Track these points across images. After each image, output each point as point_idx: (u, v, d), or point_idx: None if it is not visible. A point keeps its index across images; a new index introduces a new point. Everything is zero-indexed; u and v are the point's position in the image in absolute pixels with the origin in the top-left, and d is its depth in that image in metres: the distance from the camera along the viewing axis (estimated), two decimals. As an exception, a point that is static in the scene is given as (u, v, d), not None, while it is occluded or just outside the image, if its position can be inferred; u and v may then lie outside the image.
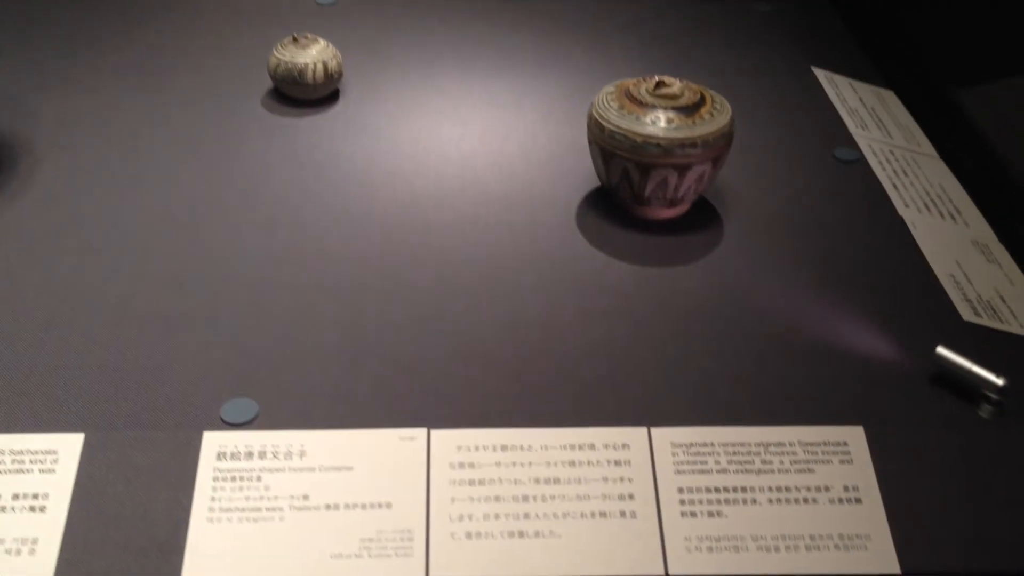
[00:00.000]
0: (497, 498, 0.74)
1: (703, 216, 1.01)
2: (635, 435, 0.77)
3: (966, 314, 0.90)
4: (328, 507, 0.73)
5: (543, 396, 0.80)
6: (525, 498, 0.74)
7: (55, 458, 0.74)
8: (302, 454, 0.75)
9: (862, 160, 1.11)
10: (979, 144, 1.17)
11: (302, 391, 0.80)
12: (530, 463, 0.75)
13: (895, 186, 1.08)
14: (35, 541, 0.70)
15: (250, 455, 0.75)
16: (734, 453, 0.76)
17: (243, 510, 0.72)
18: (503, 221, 0.99)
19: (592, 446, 0.76)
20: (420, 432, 0.77)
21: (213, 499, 0.72)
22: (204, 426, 0.76)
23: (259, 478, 0.74)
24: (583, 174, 1.04)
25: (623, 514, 0.73)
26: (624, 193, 0.98)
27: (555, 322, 0.87)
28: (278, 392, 0.79)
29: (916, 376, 0.83)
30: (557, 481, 0.75)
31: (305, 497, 0.73)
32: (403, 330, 0.86)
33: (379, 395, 0.80)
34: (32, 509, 0.71)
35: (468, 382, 0.81)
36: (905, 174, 1.10)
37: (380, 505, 0.73)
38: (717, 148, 0.95)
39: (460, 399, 0.80)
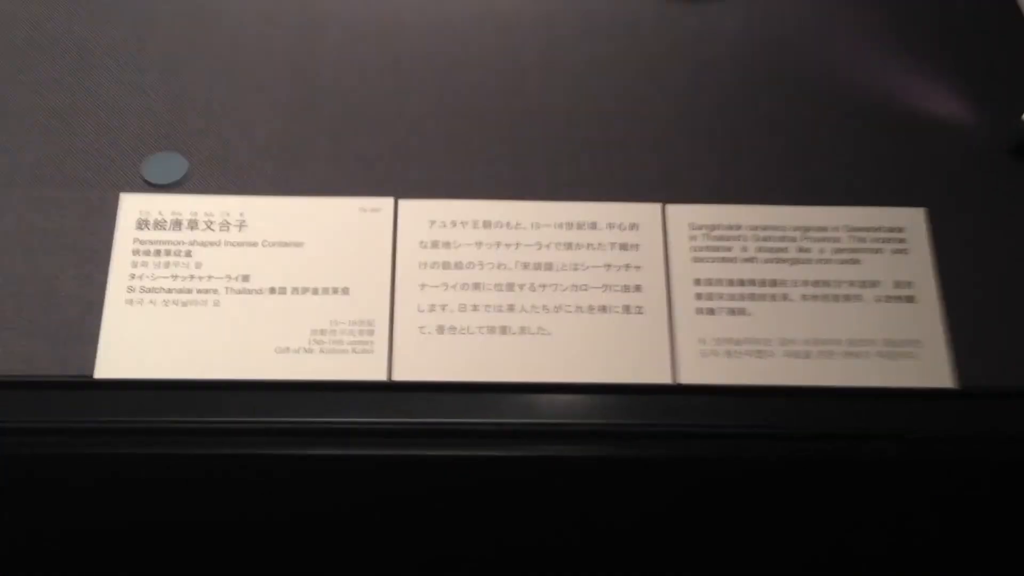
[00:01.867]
0: (476, 285, 0.63)
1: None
2: (646, 213, 0.66)
3: (1060, 74, 0.76)
4: (272, 291, 0.62)
5: (537, 162, 0.68)
6: (510, 286, 0.63)
7: (-60, 221, 0.63)
8: (241, 225, 0.64)
9: None
10: None
11: (242, 147, 0.67)
12: (518, 244, 0.64)
13: (983, -92, 0.91)
14: (-82, 322, 0.60)
15: (178, 224, 0.64)
16: (765, 239, 0.65)
17: (169, 291, 0.61)
18: (499, -61, 0.83)
19: (594, 225, 0.65)
20: (385, 202, 0.65)
21: (133, 276, 0.61)
22: (121, 186, 0.64)
23: (189, 253, 0.63)
24: None
25: (627, 309, 0.63)
26: (649, -94, 0.82)
27: (557, 69, 0.73)
28: (212, 148, 0.67)
29: (996, 152, 0.70)
30: (550, 267, 0.64)
31: (244, 278, 0.62)
32: (370, 75, 0.71)
33: (336, 155, 0.67)
34: (-87, 283, 0.61)
35: (447, 142, 0.68)
36: None
37: (335, 290, 0.62)
38: None
39: (436, 163, 0.67)
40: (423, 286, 0.63)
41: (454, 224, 0.64)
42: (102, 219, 0.63)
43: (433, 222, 0.64)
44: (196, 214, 0.64)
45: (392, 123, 0.69)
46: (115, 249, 0.62)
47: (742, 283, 0.63)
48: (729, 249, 0.64)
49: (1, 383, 0.58)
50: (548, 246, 0.64)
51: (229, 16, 0.74)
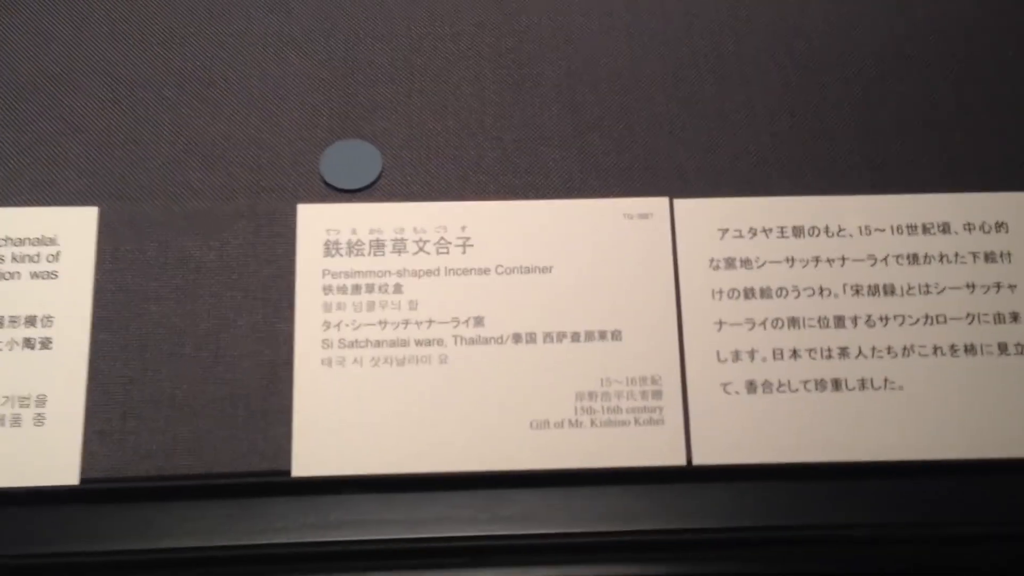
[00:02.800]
0: (793, 321, 0.46)
1: None
2: (1017, 206, 0.49)
3: None
4: (517, 339, 0.46)
5: (851, 138, 0.49)
6: (840, 321, 0.46)
7: (54, 252, 0.47)
8: (465, 245, 0.47)
9: None
10: None
11: (458, 133, 0.49)
12: (844, 259, 0.47)
13: None
14: (41, 399, 0.44)
15: (379, 246, 0.47)
16: None
17: (379, 344, 0.45)
18: None
19: (945, 227, 0.48)
20: (658, 204, 0.48)
21: (327, 325, 0.45)
22: (297, 192, 0.48)
23: (399, 288, 0.46)
24: None
25: (1003, 349, 0.46)
26: None
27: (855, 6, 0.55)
28: (415, 133, 0.49)
29: None
30: (890, 290, 0.47)
31: (478, 321, 0.45)
32: (630, 34, 0.52)
33: (587, 142, 0.49)
34: (28, 344, 0.45)
35: (733, 119, 0.50)
36: None
37: (603, 335, 0.45)
38: None
39: (720, 147, 0.49)
40: (720, 324, 0.46)
41: (753, 232, 0.47)
42: (276, 241, 0.46)
43: (724, 230, 0.47)
44: (402, 230, 0.46)
45: (659, 98, 0.50)
46: (299, 285, 0.45)
47: None
48: None
49: (160, 486, 0.43)
50: (885, 260, 0.47)
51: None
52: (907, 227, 0.47)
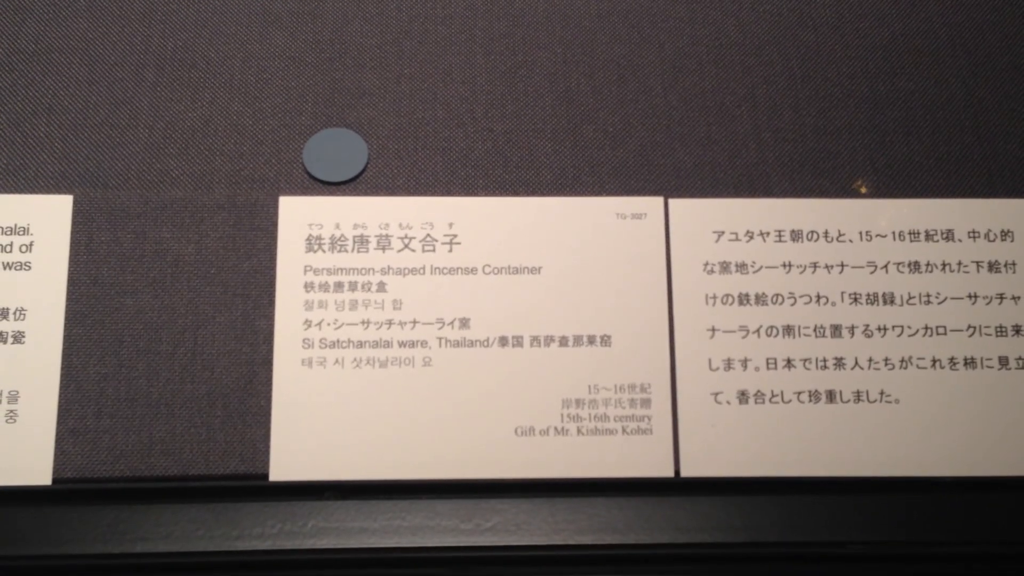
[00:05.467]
0: (788, 330, 0.46)
1: None
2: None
3: None
4: (503, 342, 0.45)
5: (853, 140, 0.48)
6: (836, 330, 0.46)
7: (27, 242, 0.46)
8: (452, 242, 0.46)
9: None
10: None
11: (447, 123, 0.48)
12: (842, 265, 0.47)
13: None
14: (13, 396, 0.43)
15: (363, 242, 0.46)
16: None
17: (361, 344, 0.44)
18: None
19: (949, 234, 0.47)
20: (653, 204, 0.47)
21: (308, 324, 0.45)
22: (279, 184, 0.47)
23: (382, 286, 0.46)
24: None
25: (1004, 363, 0.46)
26: None
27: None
28: (402, 122, 0.48)
29: None
30: (890, 299, 0.46)
31: (463, 323, 0.45)
32: (628, 19, 0.53)
33: (581, 135, 0.48)
34: (1, 338, 0.44)
35: (733, 113, 0.48)
36: None
37: (592, 340, 0.45)
38: None
39: (719, 143, 0.48)
40: (713, 331, 0.45)
41: (749, 236, 0.46)
42: (257, 235, 0.46)
43: (719, 232, 0.46)
44: (387, 226, 0.46)
45: (655, 96, 0.49)
46: (280, 282, 0.45)
47: None
48: None
49: (134, 488, 0.43)
50: (886, 267, 0.46)
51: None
52: (909, 233, 0.46)
